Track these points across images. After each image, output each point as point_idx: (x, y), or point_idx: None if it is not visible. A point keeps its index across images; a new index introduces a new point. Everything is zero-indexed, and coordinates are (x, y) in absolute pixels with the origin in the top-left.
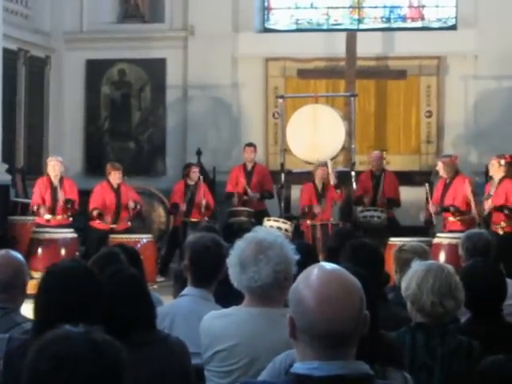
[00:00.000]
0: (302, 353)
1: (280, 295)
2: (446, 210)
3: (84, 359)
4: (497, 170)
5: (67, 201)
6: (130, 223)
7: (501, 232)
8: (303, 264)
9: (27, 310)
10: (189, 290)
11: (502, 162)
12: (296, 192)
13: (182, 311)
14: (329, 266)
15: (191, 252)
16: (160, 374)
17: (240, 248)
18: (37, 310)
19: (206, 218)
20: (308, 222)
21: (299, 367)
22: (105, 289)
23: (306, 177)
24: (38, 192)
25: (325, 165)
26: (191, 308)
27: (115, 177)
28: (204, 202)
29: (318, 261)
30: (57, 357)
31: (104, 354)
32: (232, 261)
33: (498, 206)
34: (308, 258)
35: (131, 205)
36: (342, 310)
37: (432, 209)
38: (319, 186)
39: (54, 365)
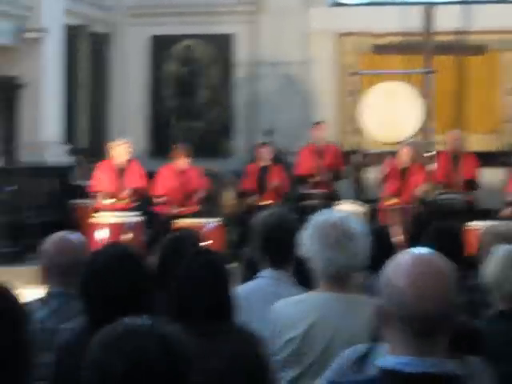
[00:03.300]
0: (392, 343)
1: (353, 281)
2: None
3: (155, 357)
4: None
5: (135, 190)
6: (198, 206)
7: None
8: (377, 248)
9: None
10: (267, 272)
11: None
12: (371, 174)
13: (260, 294)
14: (418, 249)
15: (266, 230)
16: (232, 367)
17: (319, 230)
18: (83, 295)
19: (279, 202)
20: (386, 203)
21: (389, 360)
22: (182, 273)
23: (383, 157)
24: (101, 176)
25: (410, 144)
26: (271, 291)
27: (184, 162)
28: (276, 184)
29: (391, 245)
30: (131, 357)
31: (172, 349)
32: (310, 243)
33: None
34: (382, 242)
35: (199, 195)
36: (433, 288)
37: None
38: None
39: (128, 365)
